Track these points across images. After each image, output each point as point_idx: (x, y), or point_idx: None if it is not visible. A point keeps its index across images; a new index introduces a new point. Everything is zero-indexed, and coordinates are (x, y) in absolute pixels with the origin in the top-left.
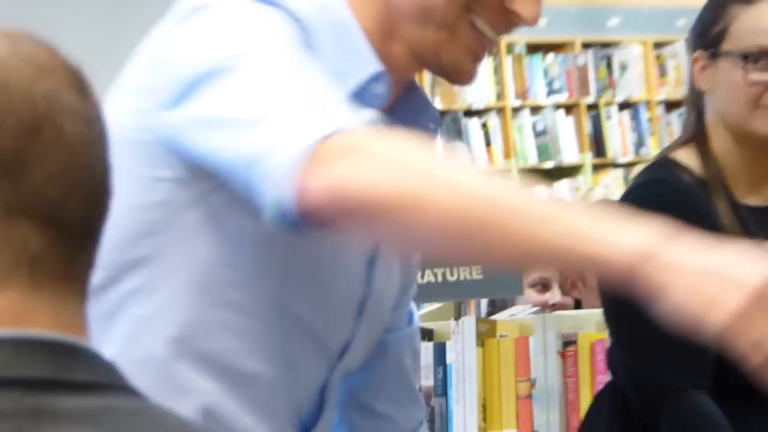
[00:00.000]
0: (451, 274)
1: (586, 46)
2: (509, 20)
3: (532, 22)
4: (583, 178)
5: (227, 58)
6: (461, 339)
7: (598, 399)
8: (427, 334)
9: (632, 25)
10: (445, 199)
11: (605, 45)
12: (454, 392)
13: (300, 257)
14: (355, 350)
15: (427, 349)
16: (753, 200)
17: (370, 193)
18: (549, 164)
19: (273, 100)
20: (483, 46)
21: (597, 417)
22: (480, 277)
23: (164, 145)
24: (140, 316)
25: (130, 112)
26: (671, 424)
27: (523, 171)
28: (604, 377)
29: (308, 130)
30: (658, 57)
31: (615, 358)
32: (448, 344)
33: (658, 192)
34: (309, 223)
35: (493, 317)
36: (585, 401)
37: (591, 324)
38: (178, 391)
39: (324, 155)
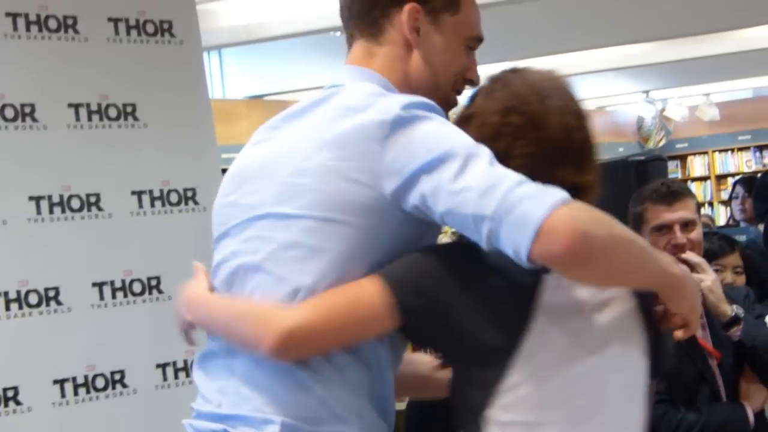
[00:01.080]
0: None
1: None
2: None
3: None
4: None
5: (463, 146)
6: None
7: None
8: None
9: None
10: (631, 247)
11: None
12: None
13: None
14: None
15: None
16: None
17: (601, 241)
18: None
19: (503, 178)
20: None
21: None
22: None
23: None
24: None
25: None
26: None
27: None
28: None
29: (549, 197)
30: None
31: None
32: None
33: None
34: (541, 261)
35: None
36: None
37: None
38: None
39: (563, 214)
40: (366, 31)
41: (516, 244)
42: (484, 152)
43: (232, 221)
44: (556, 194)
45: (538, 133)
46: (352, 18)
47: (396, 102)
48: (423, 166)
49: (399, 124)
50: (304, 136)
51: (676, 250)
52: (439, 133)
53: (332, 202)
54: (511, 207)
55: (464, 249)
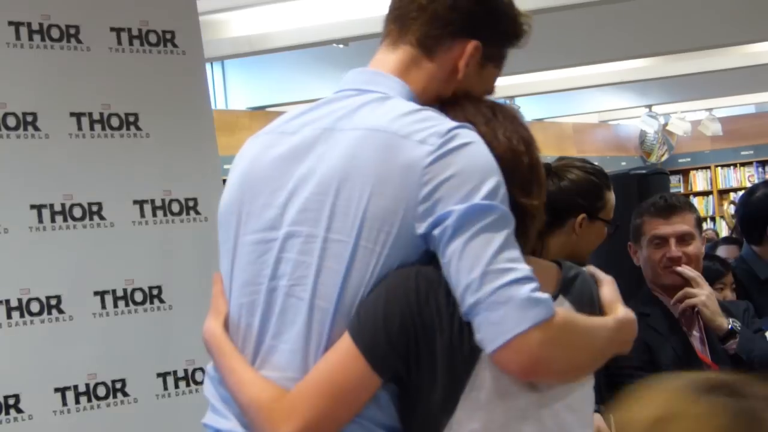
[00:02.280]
0: None
1: None
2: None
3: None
4: None
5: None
6: None
7: None
8: None
9: None
10: (592, 353)
11: None
12: None
13: None
14: None
15: None
16: None
17: (559, 364)
18: None
19: (505, 272)
20: None
21: None
22: None
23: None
24: None
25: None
26: None
27: None
28: None
29: (532, 312)
30: None
31: None
32: None
33: None
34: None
35: None
36: None
37: None
38: None
39: (534, 339)
40: (423, 43)
41: (484, 337)
42: (509, 223)
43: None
44: (539, 312)
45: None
46: (413, 25)
47: (439, 129)
48: (459, 211)
49: (440, 156)
50: (342, 154)
51: (671, 263)
52: (478, 169)
53: (367, 228)
54: (497, 305)
55: (427, 282)
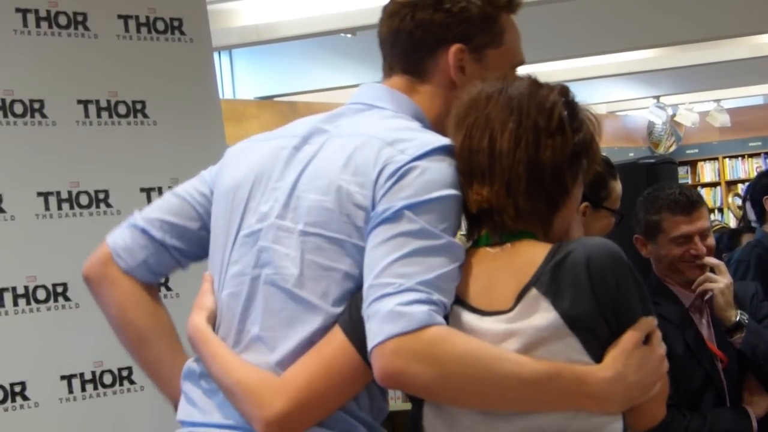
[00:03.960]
0: None
1: None
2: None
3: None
4: None
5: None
6: None
7: None
8: None
9: None
10: (481, 381)
11: None
12: None
13: None
14: None
15: None
16: None
17: (423, 379)
18: None
19: (397, 276)
20: None
21: None
22: None
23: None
24: None
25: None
26: None
27: None
28: None
29: (389, 326)
30: None
31: None
32: None
33: None
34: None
35: None
36: None
37: None
38: None
39: (388, 350)
40: (409, 70)
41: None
42: (430, 239)
43: (251, 227)
44: (398, 325)
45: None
46: (395, 55)
47: (422, 145)
48: (407, 206)
49: (412, 169)
50: (332, 156)
51: (694, 258)
52: (434, 183)
53: (344, 222)
54: (368, 317)
55: None
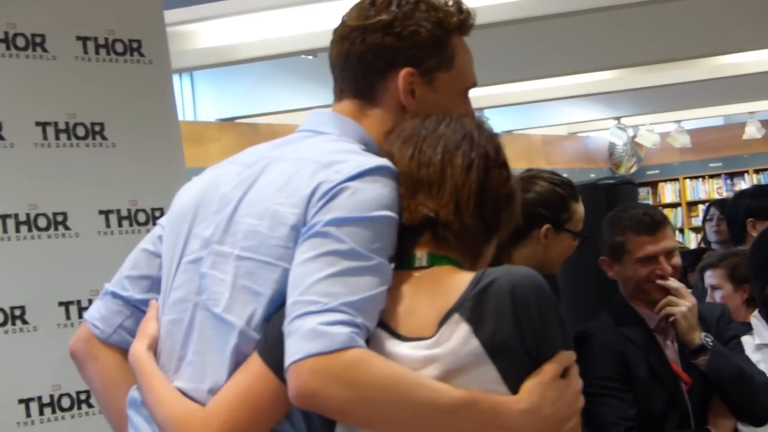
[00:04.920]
0: None
1: None
2: None
3: None
4: None
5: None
6: None
7: None
8: None
9: None
10: (394, 407)
11: None
12: None
13: None
14: None
15: None
16: None
17: (336, 402)
18: None
19: (322, 295)
20: None
21: None
22: None
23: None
24: None
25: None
26: None
27: None
28: None
29: (308, 345)
30: None
31: None
32: None
33: None
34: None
35: None
36: None
37: None
38: None
39: (305, 369)
40: (359, 93)
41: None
42: (357, 259)
43: (192, 255)
44: (318, 344)
45: None
46: (345, 79)
47: (357, 166)
48: (334, 220)
49: (344, 189)
50: (274, 181)
51: (659, 278)
52: (367, 204)
53: (274, 246)
54: (289, 333)
55: None
